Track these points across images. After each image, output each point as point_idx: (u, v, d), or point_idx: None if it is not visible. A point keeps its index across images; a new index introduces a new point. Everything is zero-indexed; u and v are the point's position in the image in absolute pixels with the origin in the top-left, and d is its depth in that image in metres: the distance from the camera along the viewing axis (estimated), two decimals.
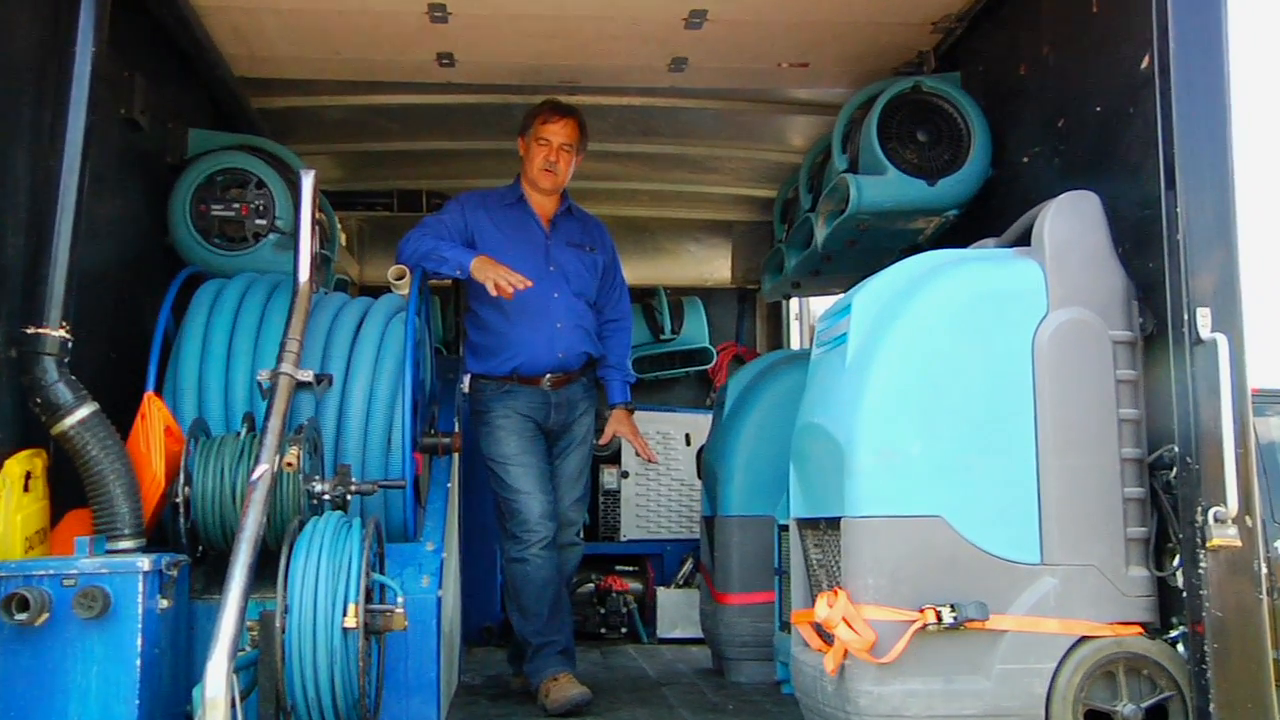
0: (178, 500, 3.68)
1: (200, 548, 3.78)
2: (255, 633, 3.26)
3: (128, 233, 4.52)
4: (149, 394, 3.88)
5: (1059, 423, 3.35)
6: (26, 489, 3.43)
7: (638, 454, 5.42)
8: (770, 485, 4.90)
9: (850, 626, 3.26)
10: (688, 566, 6.77)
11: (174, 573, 3.40)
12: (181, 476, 3.68)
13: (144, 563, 3.25)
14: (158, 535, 3.73)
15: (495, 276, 4.56)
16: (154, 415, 3.77)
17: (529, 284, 4.61)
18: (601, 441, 5.25)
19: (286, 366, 3.85)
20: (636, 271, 7.78)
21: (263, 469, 3.44)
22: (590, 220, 5.26)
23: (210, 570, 3.79)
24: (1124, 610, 3.32)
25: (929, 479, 3.32)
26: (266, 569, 3.37)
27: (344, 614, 3.25)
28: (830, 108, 5.55)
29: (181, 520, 3.68)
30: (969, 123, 4.63)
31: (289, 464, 3.56)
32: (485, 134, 6.11)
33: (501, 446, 4.87)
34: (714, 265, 8.18)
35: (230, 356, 4.18)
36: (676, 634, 6.61)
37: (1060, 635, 3.27)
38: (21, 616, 3.09)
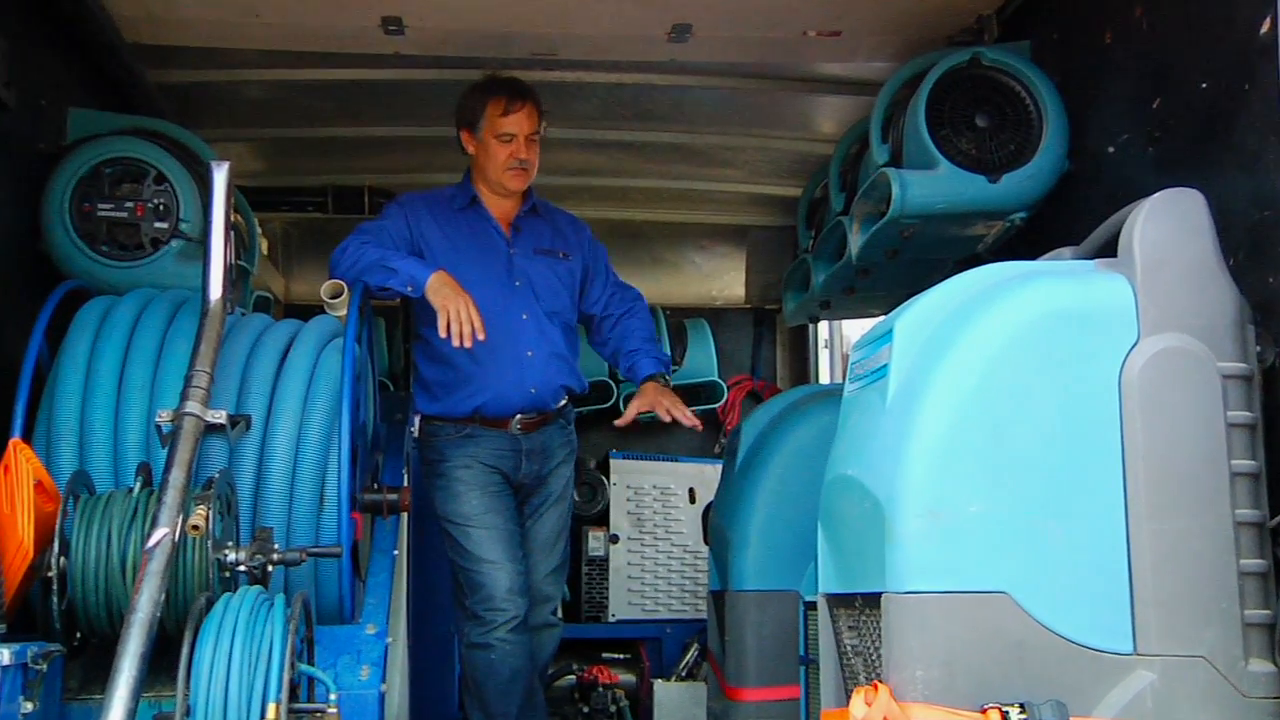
0: (50, 574, 3.62)
1: (78, 634, 3.73)
2: None
3: None
4: (14, 440, 3.83)
5: (1154, 477, 3.31)
6: None
7: (678, 423, 5.23)
8: (794, 553, 4.86)
9: None
10: (692, 654, 6.73)
11: (42, 666, 3.36)
12: (56, 544, 3.63)
13: (2, 655, 3.19)
14: (22, 618, 3.68)
15: (453, 311, 4.55)
16: (21, 467, 3.70)
17: (484, 335, 4.60)
18: (622, 420, 5.20)
19: (193, 405, 3.82)
20: None
21: (161, 534, 3.40)
22: (560, 217, 5.30)
23: (91, 663, 3.74)
24: (1242, 714, 3.27)
25: (991, 546, 3.28)
26: (164, 660, 3.34)
27: (262, 717, 3.20)
28: (868, 86, 5.56)
29: (54, 599, 3.63)
30: (1040, 104, 4.63)
31: (194, 527, 3.52)
32: (442, 117, 6.08)
33: (460, 504, 4.90)
34: (724, 280, 8.21)
35: (121, 393, 4.15)
36: None
37: None
38: None
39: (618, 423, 5.19)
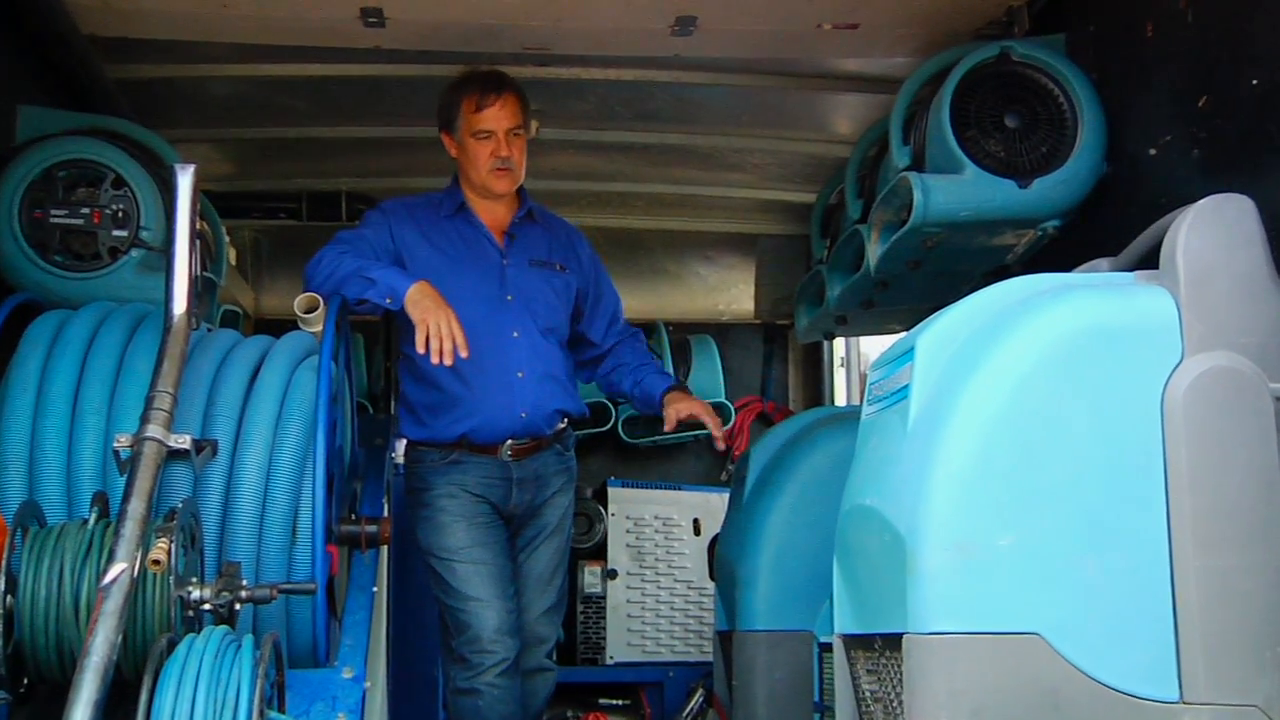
0: None
1: (26, 679, 3.69)
2: None
3: None
4: None
5: (1201, 508, 3.30)
6: None
7: (712, 439, 5.29)
8: (807, 590, 4.86)
9: None
10: (697, 699, 6.73)
11: None
12: (2, 581, 3.61)
13: None
14: None
15: (432, 325, 4.54)
16: None
17: (465, 353, 4.59)
18: (668, 427, 5.23)
19: (154, 429, 3.80)
20: (628, 301, 7.75)
21: (118, 569, 3.37)
22: (557, 225, 5.30)
23: (40, 711, 3.71)
24: None
25: (1022, 583, 3.27)
26: (120, 708, 3.31)
27: None
28: (887, 83, 5.57)
29: (0, 641, 3.61)
30: (1075, 103, 4.63)
31: (155, 562, 3.49)
32: (425, 117, 6.09)
33: (446, 537, 4.90)
34: (731, 294, 8.23)
35: (76, 416, 4.13)
36: None
37: None
38: None
39: (666, 428, 5.21)
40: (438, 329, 4.55)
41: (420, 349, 4.57)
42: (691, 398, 5.23)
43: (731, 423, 7.94)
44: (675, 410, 5.15)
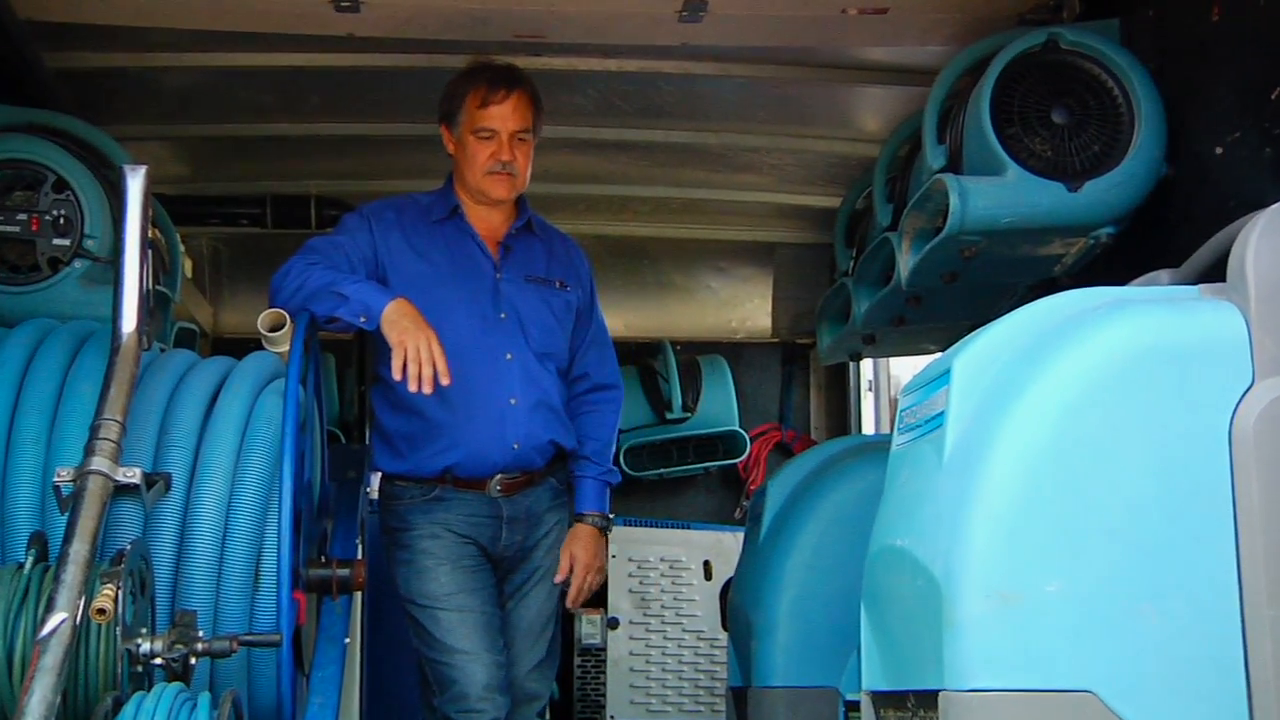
0: None
1: None
2: None
3: None
4: None
5: (1275, 550, 3.28)
6: None
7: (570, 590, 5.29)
8: (831, 641, 4.86)
9: None
10: None
11: None
12: None
13: None
14: None
15: (410, 348, 4.52)
16: None
17: (447, 380, 4.58)
18: (558, 578, 5.23)
19: (99, 462, 3.80)
20: (631, 318, 7.82)
21: (58, 619, 3.37)
22: (557, 239, 5.29)
23: None
24: None
25: (1072, 635, 3.25)
26: None
27: None
28: (920, 74, 5.59)
29: None
30: (1131, 96, 4.62)
31: (100, 611, 3.48)
32: (404, 112, 6.11)
33: (428, 583, 4.89)
34: (746, 309, 8.25)
35: (11, 447, 4.13)
36: None
37: None
38: None
39: (557, 579, 5.20)
40: (416, 353, 4.53)
41: (397, 375, 4.55)
42: (586, 543, 5.20)
43: (746, 453, 7.95)
44: (566, 557, 5.18)
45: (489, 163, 4.97)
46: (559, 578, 5.18)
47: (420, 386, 4.53)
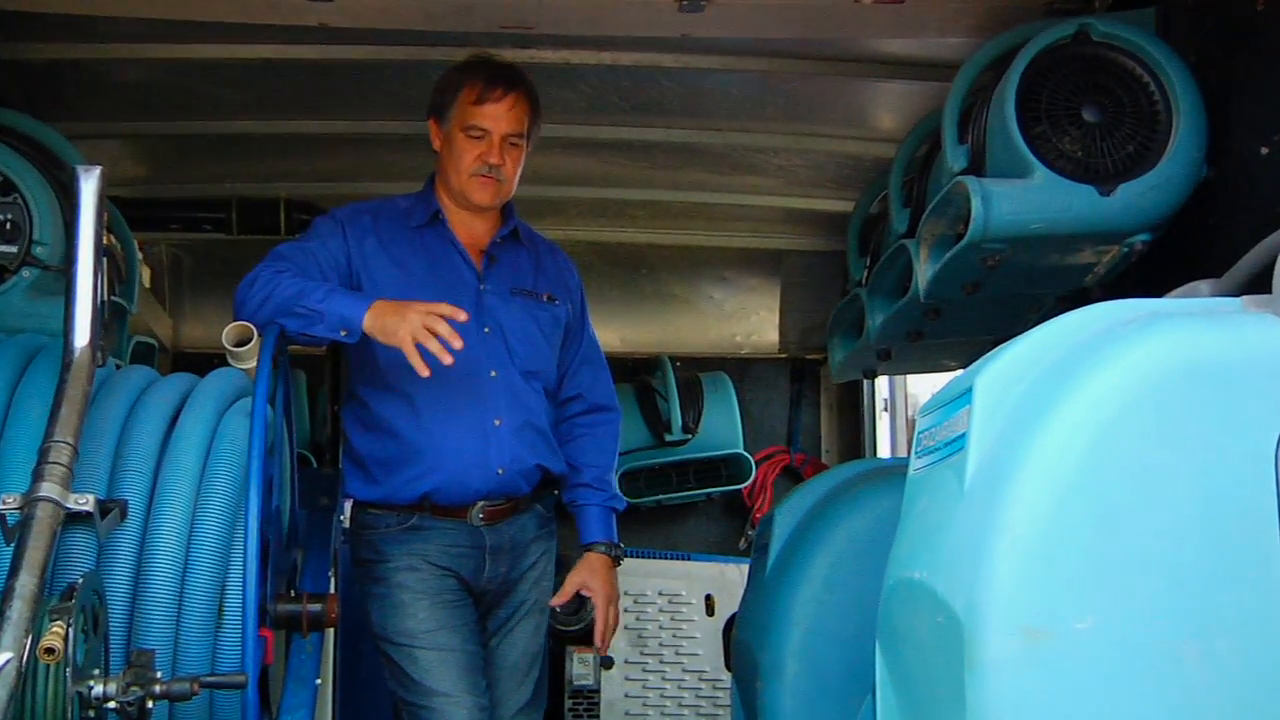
0: None
1: None
2: None
3: None
4: None
5: None
6: None
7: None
8: (844, 682, 4.84)
9: None
10: None
11: None
12: None
13: None
14: None
15: (406, 334, 4.48)
16: None
17: (459, 342, 4.54)
18: (557, 600, 5.23)
19: (49, 488, 3.78)
20: (627, 332, 7.83)
21: (3, 659, 3.37)
22: (545, 249, 5.29)
23: None
24: None
25: (1106, 677, 3.23)
26: None
27: None
28: (940, 69, 5.58)
29: None
30: (1169, 92, 4.61)
31: (49, 650, 3.48)
32: (380, 108, 6.11)
33: (405, 619, 4.89)
34: (751, 322, 8.26)
35: None
36: None
37: None
38: None
39: (556, 602, 5.22)
40: (419, 334, 4.46)
41: (422, 371, 4.47)
42: (601, 574, 5.22)
43: (751, 478, 7.96)
44: (575, 584, 5.20)
45: (475, 164, 4.96)
46: (558, 600, 5.18)
47: (444, 355, 4.46)
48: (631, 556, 7.02)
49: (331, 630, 4.73)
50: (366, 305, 4.62)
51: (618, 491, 5.31)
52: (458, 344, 4.50)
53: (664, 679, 7.08)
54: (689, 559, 7.36)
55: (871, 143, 6.56)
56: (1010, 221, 4.63)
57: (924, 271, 5.17)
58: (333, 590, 4.83)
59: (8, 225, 4.77)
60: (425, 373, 4.48)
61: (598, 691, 7.02)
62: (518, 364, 5.00)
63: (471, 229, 5.09)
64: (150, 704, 3.75)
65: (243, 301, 4.73)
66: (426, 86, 5.27)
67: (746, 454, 7.97)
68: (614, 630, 5.28)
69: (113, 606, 3.99)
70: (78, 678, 3.60)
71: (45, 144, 5.05)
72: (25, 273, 4.76)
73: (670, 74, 6.01)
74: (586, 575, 5.20)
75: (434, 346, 4.46)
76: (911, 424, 7.62)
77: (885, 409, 8.37)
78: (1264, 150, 4.31)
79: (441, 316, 4.50)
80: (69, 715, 3.58)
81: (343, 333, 4.64)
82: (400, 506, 4.93)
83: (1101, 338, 3.47)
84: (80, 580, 3.74)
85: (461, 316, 4.52)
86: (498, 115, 4.97)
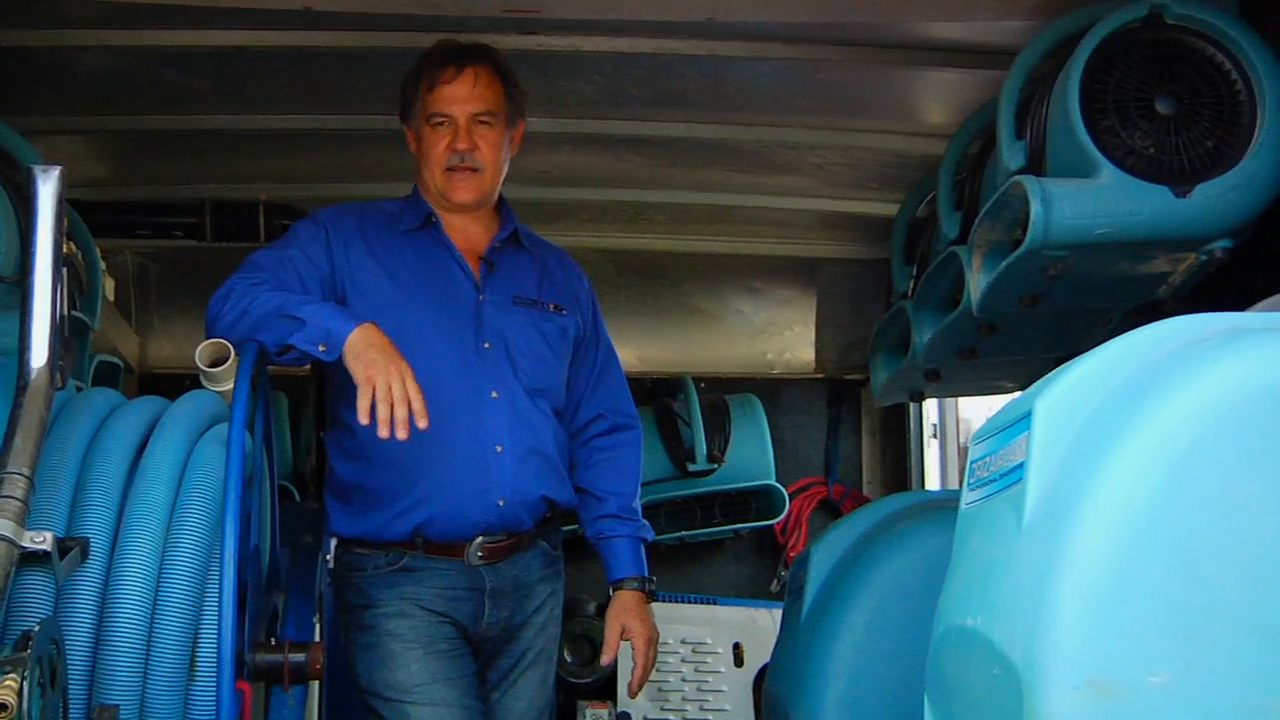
0: None
1: None
2: None
3: None
4: None
5: None
6: None
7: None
8: None
9: None
10: None
11: None
12: None
13: None
14: None
15: (380, 385, 4.46)
16: None
17: (424, 423, 4.51)
18: (607, 658, 5.23)
19: (2, 525, 3.77)
20: (646, 350, 7.84)
21: None
22: (550, 254, 5.29)
23: None
24: None
25: None
26: None
27: None
28: (995, 55, 5.58)
29: None
30: (1252, 81, 4.60)
31: (1, 707, 3.48)
32: (368, 102, 6.12)
33: (395, 671, 4.88)
34: (784, 338, 8.29)
35: None
36: None
37: None
38: None
39: (604, 660, 5.24)
40: (388, 391, 4.46)
41: (364, 418, 4.45)
42: (636, 613, 5.24)
43: (784, 513, 7.95)
44: (617, 631, 5.22)
45: (446, 155, 4.92)
46: (606, 659, 5.19)
47: (392, 431, 4.45)
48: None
49: (316, 683, 4.72)
50: (354, 323, 4.58)
51: (644, 521, 5.30)
52: (422, 425, 4.45)
53: None
54: (715, 603, 7.37)
55: (918, 138, 6.55)
56: (1073, 226, 4.61)
57: (977, 282, 5.17)
58: (317, 638, 4.83)
59: None
60: (366, 420, 4.42)
61: None
62: (523, 382, 4.97)
63: (467, 233, 5.07)
64: None
65: (216, 317, 4.72)
66: None
67: (779, 486, 7.98)
68: (645, 661, 5.27)
69: (72, 657, 3.97)
70: None
71: None
72: None
73: (693, 62, 6.01)
74: (623, 616, 5.20)
75: (399, 414, 4.42)
76: (963, 452, 7.62)
77: (934, 436, 8.38)
78: None
79: (420, 394, 4.48)
80: None
81: (321, 348, 4.57)
82: (390, 544, 4.90)
83: (1176, 356, 3.46)
84: (36, 628, 3.74)
85: (422, 424, 4.46)
86: (456, 96, 4.94)
